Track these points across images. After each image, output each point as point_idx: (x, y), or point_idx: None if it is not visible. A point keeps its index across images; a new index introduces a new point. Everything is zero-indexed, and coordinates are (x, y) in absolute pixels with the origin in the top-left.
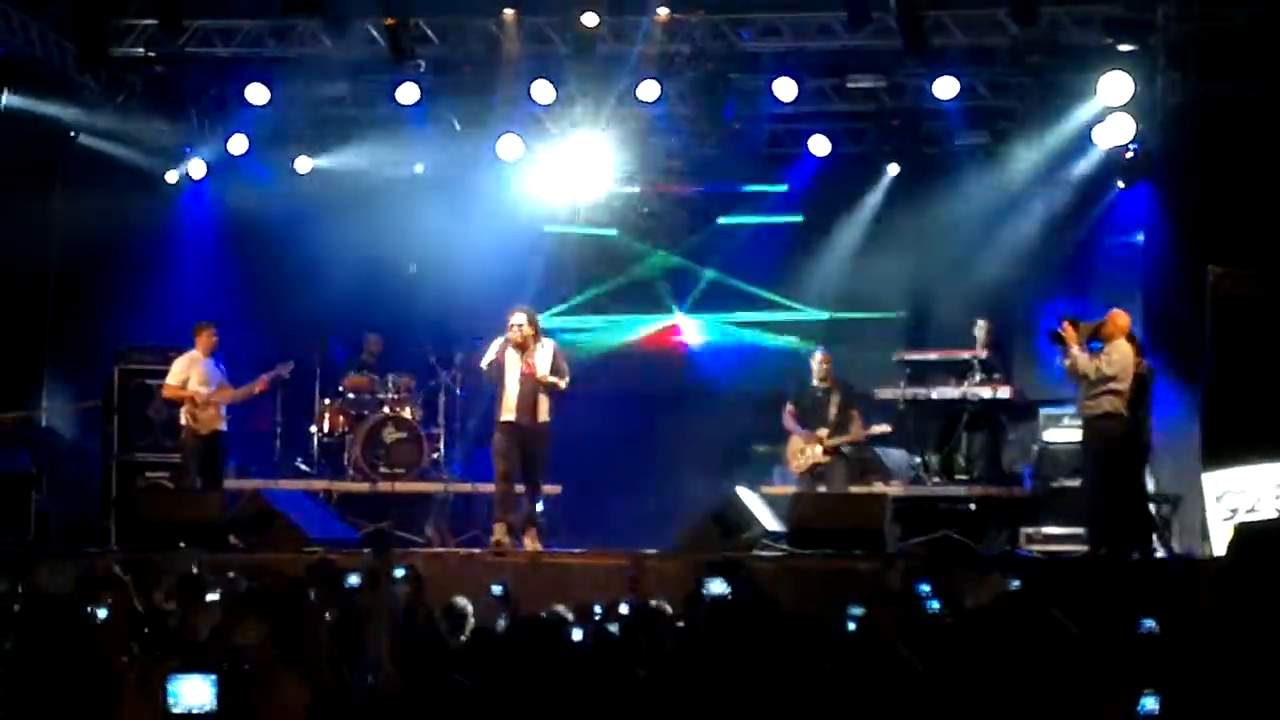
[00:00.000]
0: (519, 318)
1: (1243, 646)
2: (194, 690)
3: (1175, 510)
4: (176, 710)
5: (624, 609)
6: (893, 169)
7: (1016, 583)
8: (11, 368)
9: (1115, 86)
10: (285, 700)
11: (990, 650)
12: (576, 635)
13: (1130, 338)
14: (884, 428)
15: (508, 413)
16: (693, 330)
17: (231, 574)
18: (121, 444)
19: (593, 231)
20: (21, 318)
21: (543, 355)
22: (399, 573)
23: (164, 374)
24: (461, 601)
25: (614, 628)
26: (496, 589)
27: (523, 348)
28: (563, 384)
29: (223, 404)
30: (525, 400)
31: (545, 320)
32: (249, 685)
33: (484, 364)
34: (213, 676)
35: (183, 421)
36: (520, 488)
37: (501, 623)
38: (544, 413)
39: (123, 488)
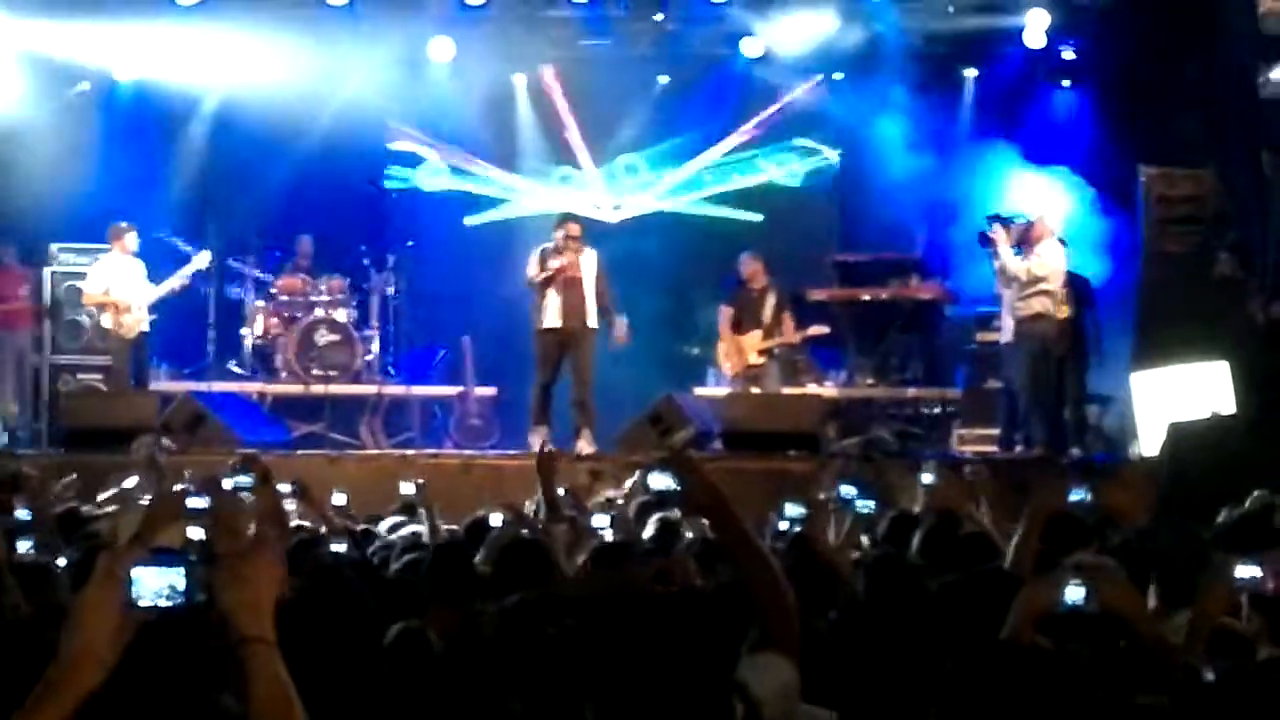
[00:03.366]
0: (572, 228)
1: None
2: (161, 580)
3: (1107, 410)
4: (143, 603)
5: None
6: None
7: (929, 477)
8: None
9: None
10: (260, 591)
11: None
12: (495, 520)
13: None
14: (821, 329)
15: (551, 319)
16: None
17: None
18: (53, 346)
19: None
20: None
21: (588, 263)
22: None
23: None
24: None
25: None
26: (408, 487)
27: (564, 254)
28: (621, 317)
29: (145, 304)
30: (571, 306)
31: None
32: (219, 575)
33: (532, 275)
34: (181, 566)
35: (108, 326)
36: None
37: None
38: (592, 318)
39: (54, 390)
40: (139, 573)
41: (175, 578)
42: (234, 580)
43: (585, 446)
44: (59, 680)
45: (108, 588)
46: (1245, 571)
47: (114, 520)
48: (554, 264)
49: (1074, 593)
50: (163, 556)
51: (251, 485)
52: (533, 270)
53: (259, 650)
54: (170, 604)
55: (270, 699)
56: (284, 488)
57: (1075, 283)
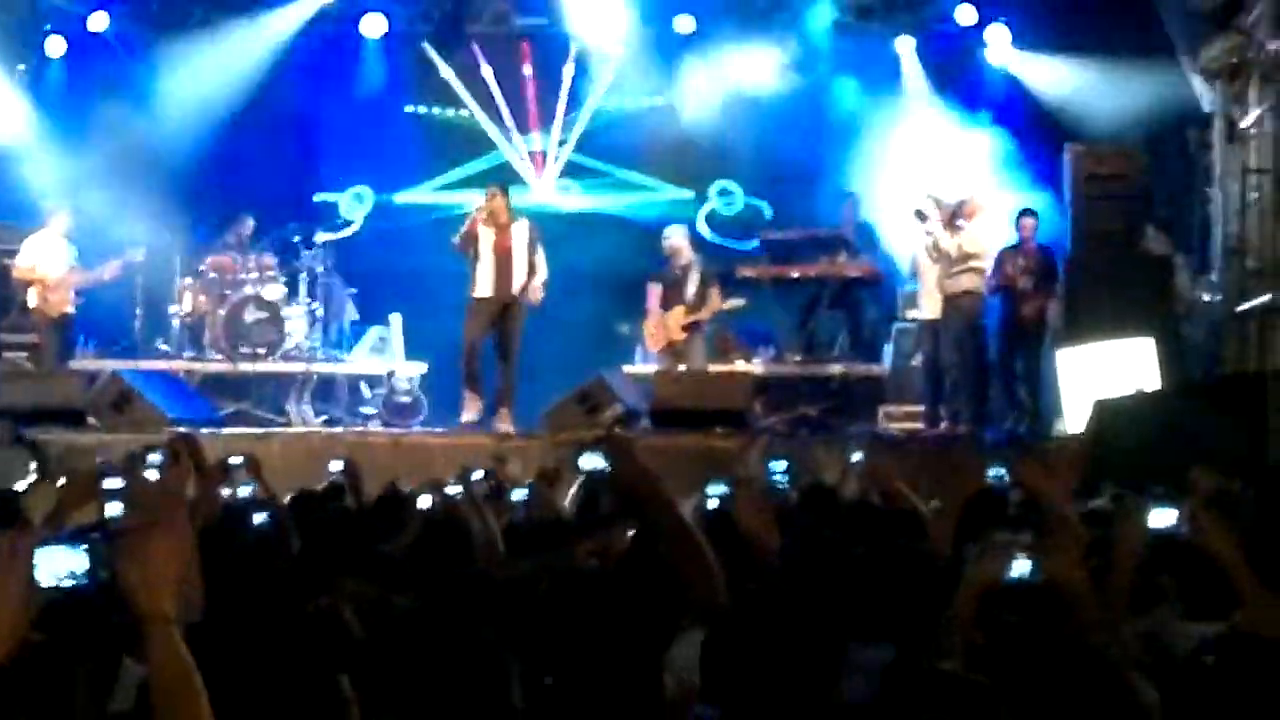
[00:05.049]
0: (493, 192)
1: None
2: (64, 561)
3: (1033, 387)
4: (45, 584)
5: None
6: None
7: (859, 455)
8: None
9: None
10: (160, 569)
11: (843, 528)
12: (424, 503)
13: (1028, 211)
14: (738, 301)
15: (483, 289)
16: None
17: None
18: None
19: (452, 114)
20: None
21: (519, 232)
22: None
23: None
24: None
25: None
26: (336, 464)
27: (497, 223)
28: (540, 275)
29: (73, 287)
30: (502, 277)
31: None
32: (121, 554)
33: (455, 238)
34: (83, 547)
35: (34, 304)
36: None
37: (349, 499)
38: (518, 289)
39: None
40: (41, 554)
41: (77, 559)
42: (134, 557)
43: (503, 425)
44: None
45: (8, 568)
46: (1160, 519)
47: (25, 500)
48: (482, 234)
49: (1020, 566)
50: (64, 538)
51: (161, 462)
52: (456, 236)
53: (158, 628)
54: (73, 584)
55: (170, 676)
56: (235, 460)
57: (1043, 255)
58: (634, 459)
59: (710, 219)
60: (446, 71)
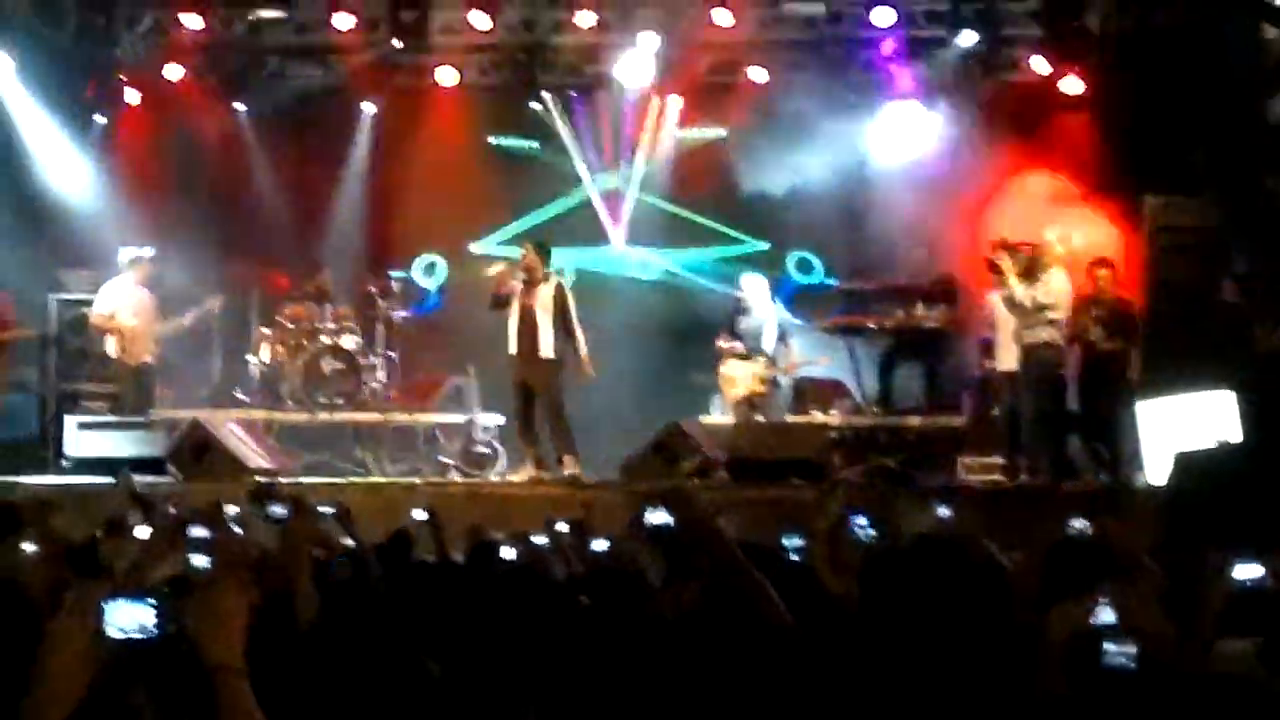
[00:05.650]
0: (528, 247)
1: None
2: (132, 614)
3: (1113, 438)
4: (115, 636)
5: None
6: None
7: (945, 510)
8: None
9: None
10: (227, 622)
11: (923, 581)
12: (508, 554)
13: (1103, 262)
14: (823, 358)
15: (512, 345)
16: (632, 261)
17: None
18: (59, 373)
19: (532, 146)
20: None
21: (546, 291)
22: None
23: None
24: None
25: (543, 540)
26: (419, 513)
27: (529, 280)
28: (582, 347)
29: (152, 336)
30: (523, 335)
31: (489, 248)
32: (189, 607)
33: (491, 292)
34: (151, 602)
35: (112, 353)
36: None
37: (431, 548)
38: (546, 348)
39: (61, 418)
40: (109, 608)
41: (144, 614)
42: (203, 610)
43: (569, 470)
44: (29, 712)
45: (76, 621)
46: (1245, 572)
47: (109, 552)
48: (508, 287)
49: (1104, 614)
50: (133, 592)
51: (287, 515)
52: (491, 291)
53: (227, 679)
54: (141, 637)
55: None
56: (325, 509)
57: (1119, 305)
58: (698, 511)
59: (785, 293)
60: (536, 105)
